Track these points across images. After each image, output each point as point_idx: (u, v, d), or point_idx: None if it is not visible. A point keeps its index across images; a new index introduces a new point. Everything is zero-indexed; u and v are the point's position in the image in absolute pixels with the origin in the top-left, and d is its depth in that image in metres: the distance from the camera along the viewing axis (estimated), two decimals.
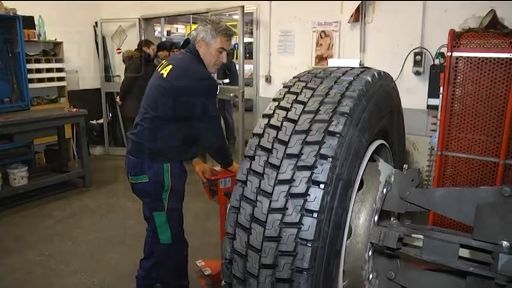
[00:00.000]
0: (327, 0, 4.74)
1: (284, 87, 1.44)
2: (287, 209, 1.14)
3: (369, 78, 1.40)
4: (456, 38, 3.04)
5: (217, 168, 2.88)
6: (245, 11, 5.15)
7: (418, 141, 4.41)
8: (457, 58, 3.05)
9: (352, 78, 1.38)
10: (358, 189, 1.42)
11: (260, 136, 1.27)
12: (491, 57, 2.93)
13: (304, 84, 1.40)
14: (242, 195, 1.22)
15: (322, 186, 1.14)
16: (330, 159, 1.16)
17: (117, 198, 4.90)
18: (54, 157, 5.89)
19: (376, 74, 1.47)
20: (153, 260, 2.82)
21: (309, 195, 1.14)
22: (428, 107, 3.93)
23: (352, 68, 1.51)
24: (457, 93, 3.10)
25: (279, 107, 1.33)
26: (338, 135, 1.19)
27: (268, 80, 5.39)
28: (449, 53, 3.06)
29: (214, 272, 3.03)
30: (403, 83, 4.39)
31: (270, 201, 1.17)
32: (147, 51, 5.88)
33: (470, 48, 3.01)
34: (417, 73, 4.25)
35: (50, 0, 6.12)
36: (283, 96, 1.37)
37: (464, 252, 1.36)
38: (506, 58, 2.88)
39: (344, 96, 1.29)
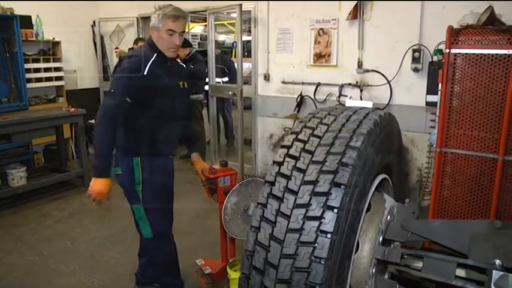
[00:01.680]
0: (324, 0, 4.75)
1: (309, 113, 1.69)
2: (311, 204, 1.30)
3: (381, 114, 1.66)
4: (454, 35, 3.03)
5: (216, 166, 2.88)
6: (243, 9, 5.14)
7: (417, 138, 4.41)
8: (455, 55, 3.04)
9: (368, 111, 1.65)
10: (366, 211, 1.57)
11: (288, 147, 1.48)
12: (489, 54, 2.92)
13: (327, 112, 1.66)
14: (270, 193, 1.39)
15: (342, 187, 1.31)
16: (350, 167, 1.34)
17: (116, 197, 4.87)
18: (53, 157, 5.89)
19: (387, 113, 1.77)
20: (146, 257, 2.81)
21: (331, 193, 1.30)
22: (427, 103, 3.93)
23: (367, 107, 1.78)
24: (455, 90, 3.09)
25: (305, 127, 1.56)
26: (357, 149, 1.39)
27: (266, 78, 5.37)
28: (447, 50, 3.05)
29: (214, 270, 3.02)
30: (401, 80, 4.39)
31: (296, 198, 1.33)
32: (135, 49, 5.87)
33: (469, 44, 3.00)
34: (416, 70, 4.24)
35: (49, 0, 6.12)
36: (309, 120, 1.61)
37: (460, 273, 1.49)
38: (505, 54, 2.87)
39: (362, 122, 1.53)
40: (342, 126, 1.50)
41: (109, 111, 2.38)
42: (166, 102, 2.53)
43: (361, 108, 1.72)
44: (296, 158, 1.43)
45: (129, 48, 5.99)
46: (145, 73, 2.39)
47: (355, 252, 1.51)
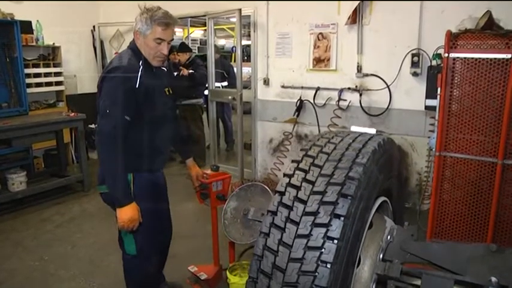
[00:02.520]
0: (324, 0, 4.76)
1: (317, 135, 1.84)
2: (319, 212, 1.38)
3: (385, 138, 1.79)
4: (453, 39, 3.05)
5: (208, 171, 2.89)
6: (242, 14, 5.16)
7: (417, 142, 4.42)
8: (454, 59, 3.05)
9: (372, 135, 1.78)
10: (368, 229, 1.64)
11: (298, 162, 1.59)
12: (488, 58, 2.94)
13: (334, 134, 1.79)
14: (280, 202, 1.48)
15: (349, 198, 1.39)
16: (356, 180, 1.43)
17: None
18: (53, 162, 5.89)
19: (389, 138, 1.89)
20: (125, 274, 2.67)
21: (338, 203, 1.38)
22: (426, 107, 3.94)
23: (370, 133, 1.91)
24: (454, 94, 3.10)
25: (314, 145, 1.69)
26: (363, 165, 1.49)
27: (266, 82, 5.39)
28: (446, 54, 3.06)
29: (210, 275, 3.01)
30: (401, 84, 4.41)
31: (305, 207, 1.41)
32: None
33: (467, 49, 3.01)
34: (415, 74, 4.26)
35: (48, 0, 6.14)
36: (318, 139, 1.74)
37: None
38: (503, 59, 2.88)
39: (367, 143, 1.65)
40: (348, 145, 1.64)
41: (110, 135, 2.14)
42: (157, 113, 2.35)
43: (366, 132, 1.86)
44: (305, 171, 1.53)
45: None
46: (136, 86, 2.19)
47: (357, 267, 1.57)
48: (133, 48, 2.31)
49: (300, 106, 5.10)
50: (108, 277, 3.30)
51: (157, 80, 2.37)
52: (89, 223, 4.36)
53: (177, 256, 3.37)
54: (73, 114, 5.32)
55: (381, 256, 1.70)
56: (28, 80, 5.59)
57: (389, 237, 1.78)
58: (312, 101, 5.02)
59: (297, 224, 1.40)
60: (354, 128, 2.03)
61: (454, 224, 3.27)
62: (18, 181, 4.75)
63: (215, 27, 6.88)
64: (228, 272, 2.86)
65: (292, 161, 1.63)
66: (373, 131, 1.92)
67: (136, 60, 2.26)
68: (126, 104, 2.16)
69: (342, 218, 1.36)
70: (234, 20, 6.12)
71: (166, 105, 2.48)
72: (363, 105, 4.64)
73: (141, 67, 2.24)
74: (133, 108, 2.20)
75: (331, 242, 1.33)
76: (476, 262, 1.54)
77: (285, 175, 1.57)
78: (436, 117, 3.24)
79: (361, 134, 1.79)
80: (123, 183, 2.21)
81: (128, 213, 2.22)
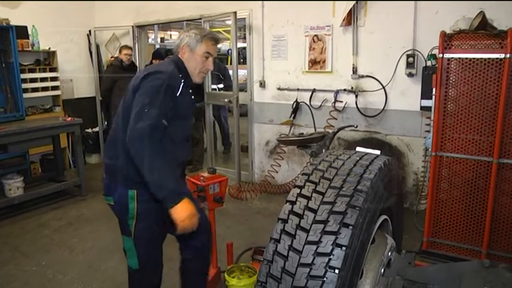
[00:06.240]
0: (319, 0, 4.78)
1: (325, 152, 1.94)
2: (329, 221, 1.46)
3: (389, 158, 1.90)
4: (447, 40, 3.08)
5: (205, 174, 2.89)
6: (238, 16, 5.18)
7: (413, 142, 4.44)
8: (448, 59, 3.08)
9: (377, 155, 1.90)
10: (371, 244, 1.72)
11: (309, 175, 1.69)
12: (482, 58, 2.97)
13: (342, 151, 1.92)
14: (291, 210, 1.55)
15: (357, 209, 1.47)
16: (364, 193, 1.53)
17: None
18: (50, 167, 5.88)
19: (393, 159, 2.01)
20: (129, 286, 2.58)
21: (347, 213, 1.46)
22: (422, 108, 3.96)
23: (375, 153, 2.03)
24: (449, 94, 3.13)
25: (323, 160, 1.79)
26: (370, 180, 1.59)
27: (262, 85, 5.40)
28: (440, 55, 3.09)
29: (209, 278, 3.01)
30: (396, 85, 4.43)
31: (315, 216, 1.49)
32: (120, 57, 5.87)
33: (462, 49, 3.04)
34: (410, 75, 4.28)
35: (43, 0, 6.16)
36: (327, 156, 1.85)
37: None
38: (497, 58, 2.91)
39: (373, 161, 1.76)
40: (356, 162, 1.73)
41: (147, 133, 1.95)
42: (179, 131, 2.25)
43: (370, 153, 1.97)
44: (316, 184, 1.62)
45: (114, 57, 5.94)
46: (177, 94, 2.12)
47: (360, 278, 1.61)
48: (176, 61, 2.27)
49: (296, 108, 5.11)
50: (107, 282, 3.29)
51: (190, 99, 2.32)
52: (87, 228, 4.35)
53: (175, 259, 3.37)
54: (70, 118, 5.30)
55: (382, 271, 1.77)
56: (24, 85, 5.58)
57: (389, 253, 1.84)
58: (308, 103, 5.03)
59: (307, 231, 1.46)
60: (359, 149, 2.14)
61: (451, 223, 3.28)
62: (15, 186, 4.74)
63: (211, 29, 6.88)
64: (226, 274, 2.87)
65: (303, 174, 1.71)
66: (377, 152, 2.02)
67: (178, 72, 2.22)
68: (164, 108, 2.06)
69: (351, 227, 1.42)
70: (229, 22, 6.13)
71: (189, 125, 2.42)
72: (358, 106, 4.66)
73: (183, 80, 2.20)
74: (168, 116, 2.09)
75: (340, 249, 1.39)
76: (471, 276, 1.64)
77: (295, 186, 1.64)
78: (432, 118, 3.27)
79: (366, 153, 1.90)
80: (173, 178, 2.01)
81: (187, 209, 1.99)
